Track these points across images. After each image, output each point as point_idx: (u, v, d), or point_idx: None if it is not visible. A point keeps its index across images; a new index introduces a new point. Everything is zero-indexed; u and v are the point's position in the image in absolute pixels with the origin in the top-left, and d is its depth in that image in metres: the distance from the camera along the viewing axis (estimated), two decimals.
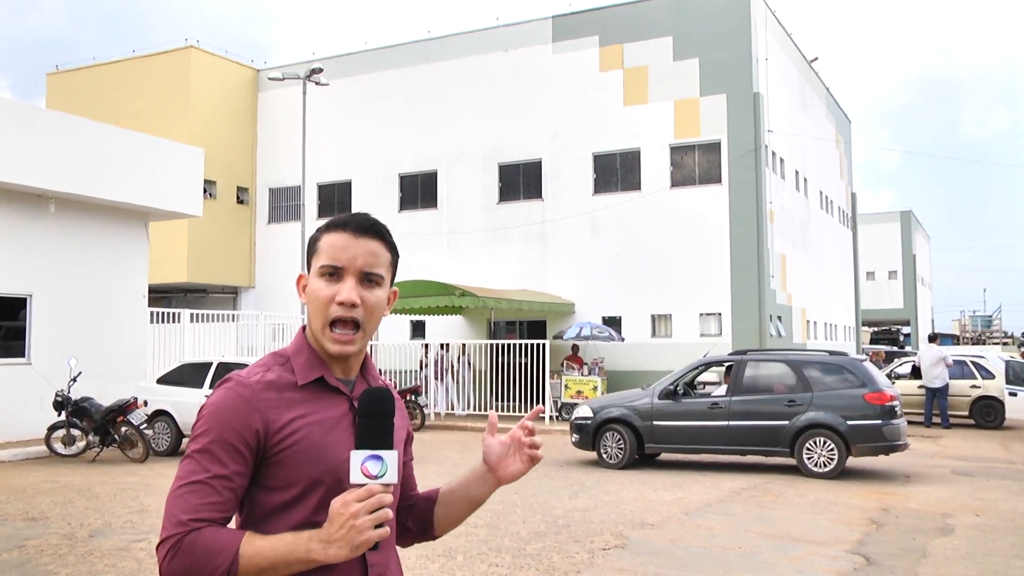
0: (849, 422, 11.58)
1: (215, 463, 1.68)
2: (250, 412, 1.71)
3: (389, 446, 1.65)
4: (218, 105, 27.99)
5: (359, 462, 1.61)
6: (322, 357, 1.83)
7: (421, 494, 2.06)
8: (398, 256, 1.90)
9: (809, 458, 11.68)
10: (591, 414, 12.96)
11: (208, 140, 25.60)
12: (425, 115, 25.96)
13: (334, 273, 1.79)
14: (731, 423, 12.15)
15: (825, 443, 11.64)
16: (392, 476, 1.62)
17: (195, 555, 1.61)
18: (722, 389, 12.92)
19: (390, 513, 1.61)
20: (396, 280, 1.91)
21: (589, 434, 12.85)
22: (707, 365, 13.66)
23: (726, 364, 13.44)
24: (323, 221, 2.30)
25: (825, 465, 11.60)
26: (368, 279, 1.80)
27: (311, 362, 1.81)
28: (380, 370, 2.20)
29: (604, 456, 12.72)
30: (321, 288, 1.78)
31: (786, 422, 11.84)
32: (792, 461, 12.10)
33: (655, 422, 12.55)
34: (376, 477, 1.61)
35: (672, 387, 12.80)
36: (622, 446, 12.60)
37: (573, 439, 13.20)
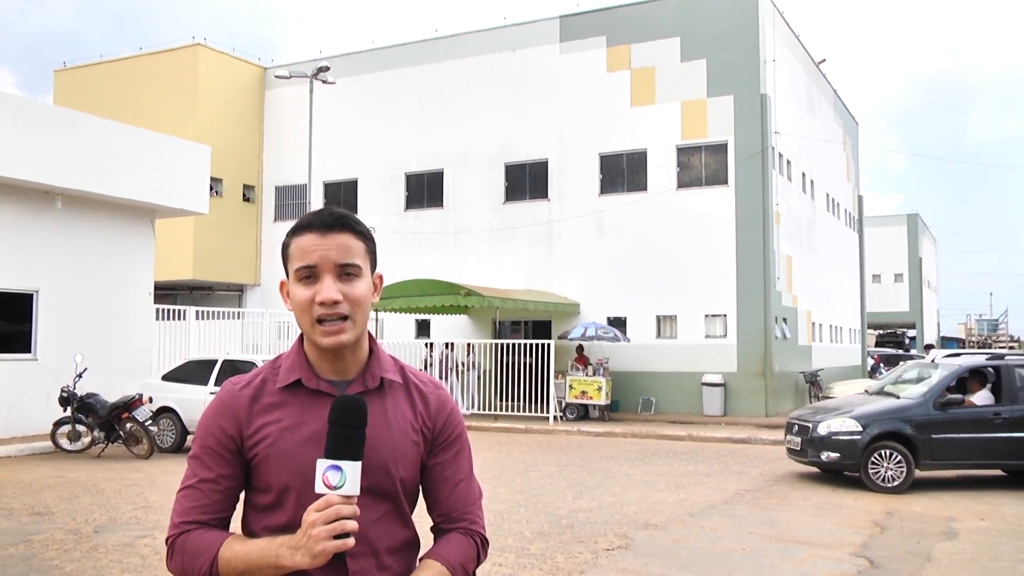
0: None
1: (203, 468, 1.80)
2: (226, 417, 1.80)
3: (355, 457, 1.62)
4: (225, 103, 28.03)
5: (321, 471, 1.61)
6: (309, 359, 1.82)
7: (437, 546, 1.91)
8: (373, 242, 1.87)
9: None
10: (859, 428, 11.02)
11: (215, 138, 25.65)
12: (432, 114, 25.96)
13: (310, 275, 1.77)
14: (1013, 435, 11.10)
15: None
16: (351, 488, 1.61)
17: (185, 556, 1.74)
18: (978, 396, 11.45)
19: (350, 525, 1.60)
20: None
21: (859, 451, 10.92)
22: (969, 371, 11.78)
23: (980, 370, 11.82)
24: None
25: None
26: (346, 272, 1.77)
27: (293, 365, 1.82)
28: None
29: (875, 478, 10.91)
30: (301, 291, 1.77)
31: None
32: None
33: (934, 435, 10.97)
34: (336, 487, 1.60)
35: (949, 396, 11.22)
36: (901, 464, 10.86)
37: (826, 457, 11.19)
